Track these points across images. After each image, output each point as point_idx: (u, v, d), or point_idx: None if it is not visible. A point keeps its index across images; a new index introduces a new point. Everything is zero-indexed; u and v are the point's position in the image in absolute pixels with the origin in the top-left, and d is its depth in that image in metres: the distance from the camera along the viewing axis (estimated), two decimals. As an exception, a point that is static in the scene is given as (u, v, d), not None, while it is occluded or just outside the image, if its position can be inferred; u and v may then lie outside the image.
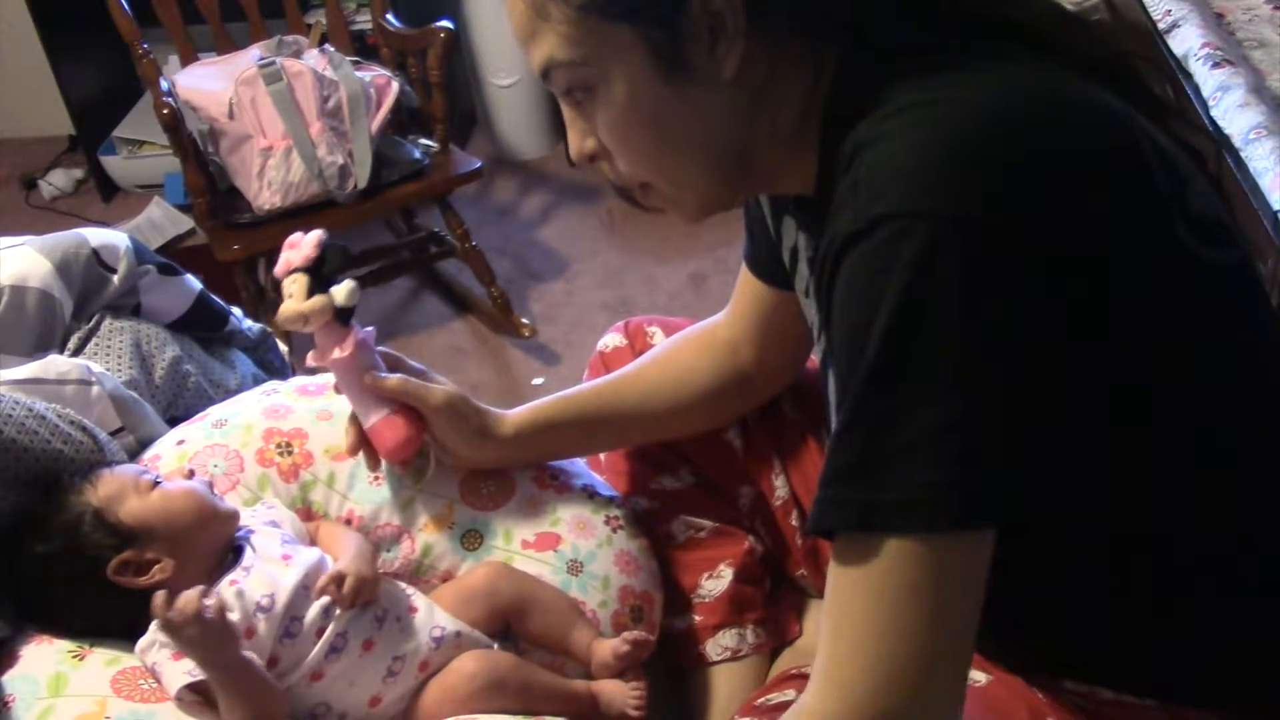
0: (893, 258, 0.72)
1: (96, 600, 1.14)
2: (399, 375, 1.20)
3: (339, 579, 1.14)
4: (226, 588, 1.13)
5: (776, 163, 0.89)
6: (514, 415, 1.26)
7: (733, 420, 1.33)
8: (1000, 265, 0.71)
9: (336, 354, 1.17)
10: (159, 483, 1.19)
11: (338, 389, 1.23)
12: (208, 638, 1.05)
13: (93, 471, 1.19)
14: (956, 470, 0.72)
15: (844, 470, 0.76)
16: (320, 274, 1.15)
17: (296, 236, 1.17)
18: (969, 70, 0.77)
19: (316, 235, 1.16)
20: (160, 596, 1.05)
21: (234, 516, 1.20)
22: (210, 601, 1.06)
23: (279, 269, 1.17)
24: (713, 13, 0.80)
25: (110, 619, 1.14)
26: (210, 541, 1.17)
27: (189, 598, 1.04)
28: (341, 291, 1.15)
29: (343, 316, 1.16)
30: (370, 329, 1.21)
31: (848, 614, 0.77)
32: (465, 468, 1.29)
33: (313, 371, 1.32)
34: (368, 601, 1.16)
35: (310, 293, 1.15)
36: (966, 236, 0.71)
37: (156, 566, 1.14)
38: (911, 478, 0.73)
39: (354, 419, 1.23)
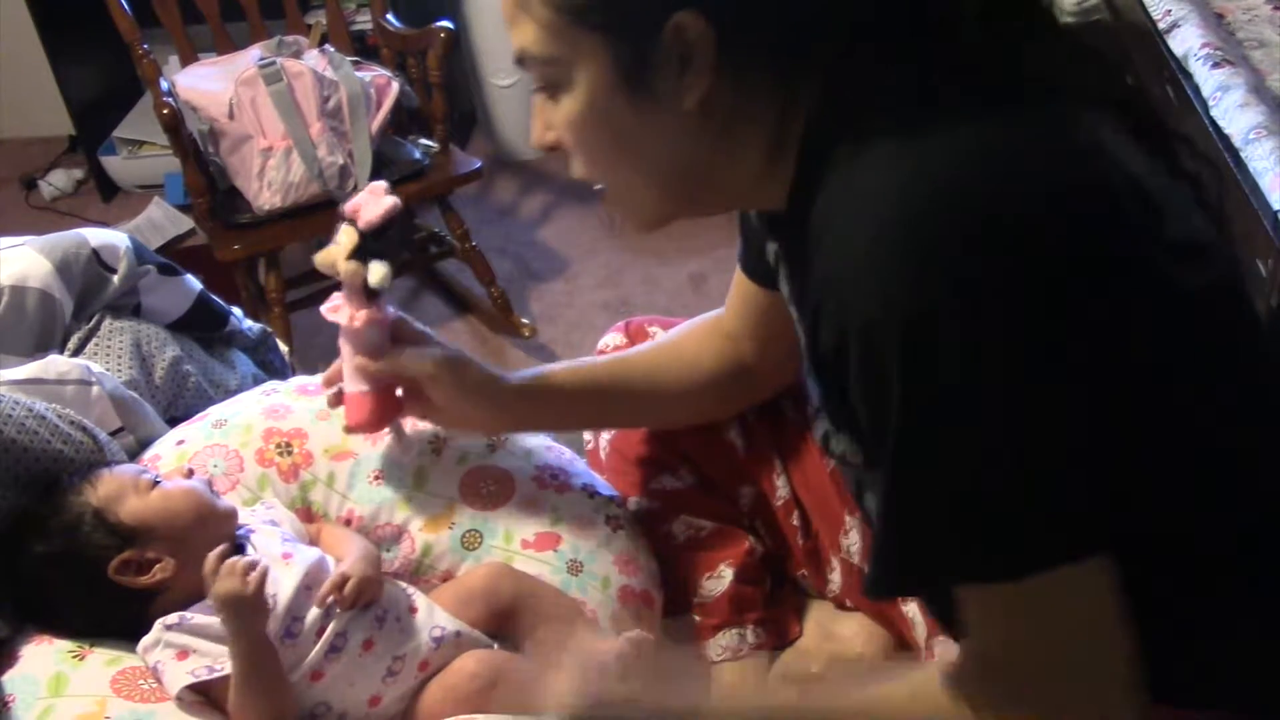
0: (881, 367, 0.74)
1: (97, 600, 1.14)
2: (386, 360, 1.18)
3: (341, 582, 1.14)
4: None
5: (742, 186, 0.90)
6: (519, 378, 1.24)
7: (737, 411, 1.32)
8: (980, 348, 0.73)
9: (343, 321, 1.16)
10: (158, 482, 1.19)
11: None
12: (252, 603, 1.07)
13: (92, 471, 1.19)
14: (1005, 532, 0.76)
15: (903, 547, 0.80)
16: (372, 240, 1.13)
17: (380, 185, 1.15)
18: (936, 124, 0.77)
19: (391, 203, 1.13)
20: (213, 557, 1.08)
21: (233, 515, 1.20)
22: (254, 572, 1.08)
23: (349, 207, 1.14)
24: (684, 43, 0.80)
25: (111, 618, 1.14)
26: (210, 540, 1.17)
27: (239, 561, 1.07)
28: (375, 273, 1.13)
29: (369, 291, 1.15)
30: (392, 312, 1.19)
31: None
32: (470, 430, 1.29)
33: (313, 370, 1.32)
34: (369, 602, 1.16)
35: (355, 252, 1.13)
36: (941, 329, 0.72)
37: (157, 565, 1.14)
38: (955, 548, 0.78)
39: (331, 380, 1.24)
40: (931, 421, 0.75)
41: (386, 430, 1.28)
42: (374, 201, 1.13)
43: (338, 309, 1.17)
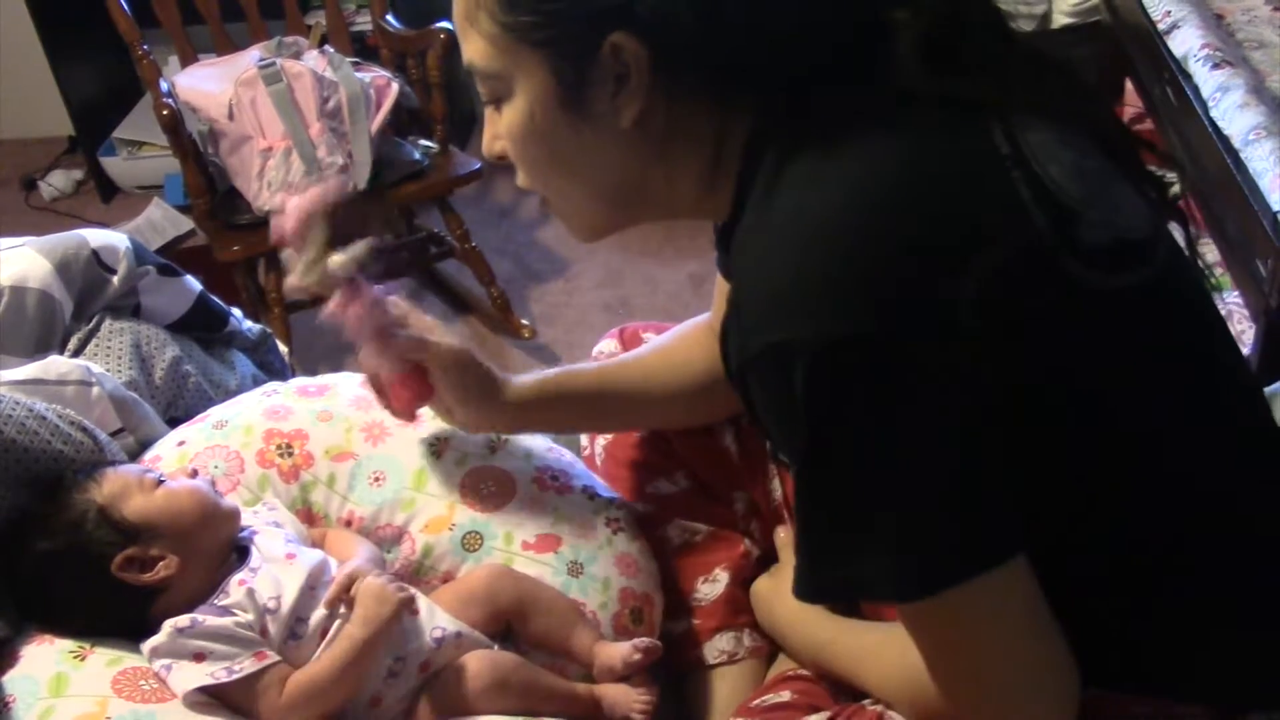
0: (786, 387, 0.76)
1: (100, 598, 1.14)
2: (407, 336, 1.20)
3: (349, 583, 1.14)
4: (236, 587, 1.13)
5: (683, 201, 0.92)
6: (520, 383, 1.26)
7: (733, 411, 1.33)
8: (887, 373, 0.75)
9: (340, 316, 1.16)
10: (162, 481, 1.19)
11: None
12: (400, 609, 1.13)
13: (96, 469, 1.19)
14: (919, 549, 0.79)
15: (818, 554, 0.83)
16: (312, 240, 1.13)
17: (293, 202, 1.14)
18: (851, 148, 0.79)
19: (301, 203, 1.12)
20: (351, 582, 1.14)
21: (236, 515, 1.20)
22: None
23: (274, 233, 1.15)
24: (621, 63, 0.83)
25: (112, 617, 1.14)
26: (214, 539, 1.17)
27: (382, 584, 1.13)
28: (336, 260, 1.13)
29: (348, 282, 1.15)
30: (381, 289, 1.19)
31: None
32: (459, 425, 1.31)
33: (313, 371, 1.32)
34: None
35: (328, 244, 1.13)
36: (848, 357, 0.74)
37: (161, 564, 1.14)
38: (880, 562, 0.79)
39: (366, 370, 1.24)
40: (838, 447, 0.77)
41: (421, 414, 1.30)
42: (290, 211, 1.13)
43: (331, 312, 1.17)
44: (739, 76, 0.84)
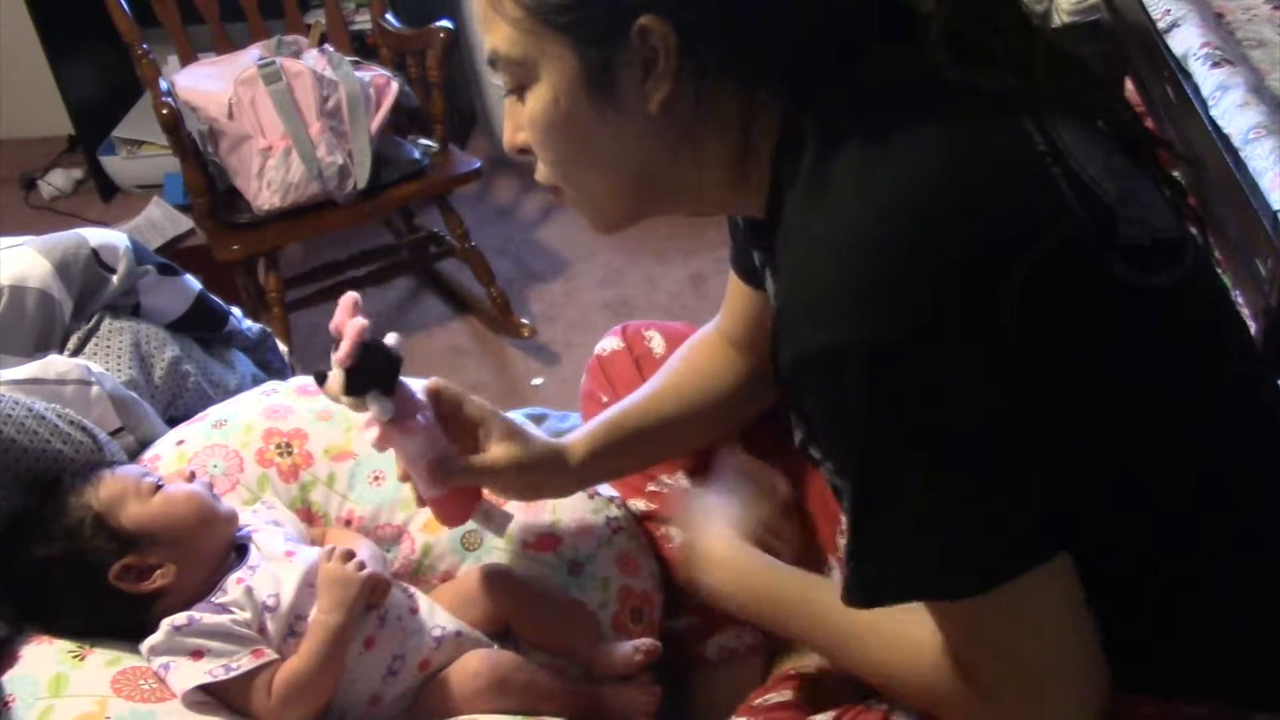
0: (838, 389, 0.76)
1: (97, 603, 1.14)
2: (463, 469, 1.12)
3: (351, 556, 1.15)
4: (234, 585, 1.13)
5: (711, 191, 0.91)
6: (574, 443, 1.21)
7: (769, 406, 1.31)
8: (938, 375, 0.75)
9: (382, 446, 1.10)
10: (160, 485, 1.19)
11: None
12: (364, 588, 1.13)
13: (93, 473, 1.19)
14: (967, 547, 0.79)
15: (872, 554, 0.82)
16: (359, 370, 1.05)
17: (348, 301, 1.07)
18: (895, 142, 0.78)
19: (359, 327, 1.05)
20: (337, 560, 1.14)
21: (233, 519, 1.20)
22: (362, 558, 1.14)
23: (335, 323, 1.07)
24: (649, 47, 0.81)
25: (111, 621, 1.14)
26: (212, 545, 1.17)
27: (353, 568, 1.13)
28: (376, 411, 1.06)
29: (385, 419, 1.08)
30: (424, 420, 1.11)
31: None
32: (542, 498, 1.28)
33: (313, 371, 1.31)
34: (378, 602, 1.16)
35: (350, 388, 1.06)
36: (899, 359, 0.74)
37: (158, 571, 1.14)
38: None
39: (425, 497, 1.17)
40: (888, 448, 0.77)
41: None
42: (347, 331, 1.05)
43: (376, 440, 1.10)
44: (768, 61, 0.83)
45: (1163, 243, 0.83)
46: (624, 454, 1.25)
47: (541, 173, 0.93)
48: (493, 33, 0.87)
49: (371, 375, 1.05)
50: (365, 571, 1.14)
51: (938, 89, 0.80)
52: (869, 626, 0.92)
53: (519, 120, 0.90)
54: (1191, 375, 0.85)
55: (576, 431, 1.24)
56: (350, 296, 1.07)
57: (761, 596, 1.05)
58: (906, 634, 0.89)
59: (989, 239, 0.76)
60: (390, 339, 1.09)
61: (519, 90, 0.88)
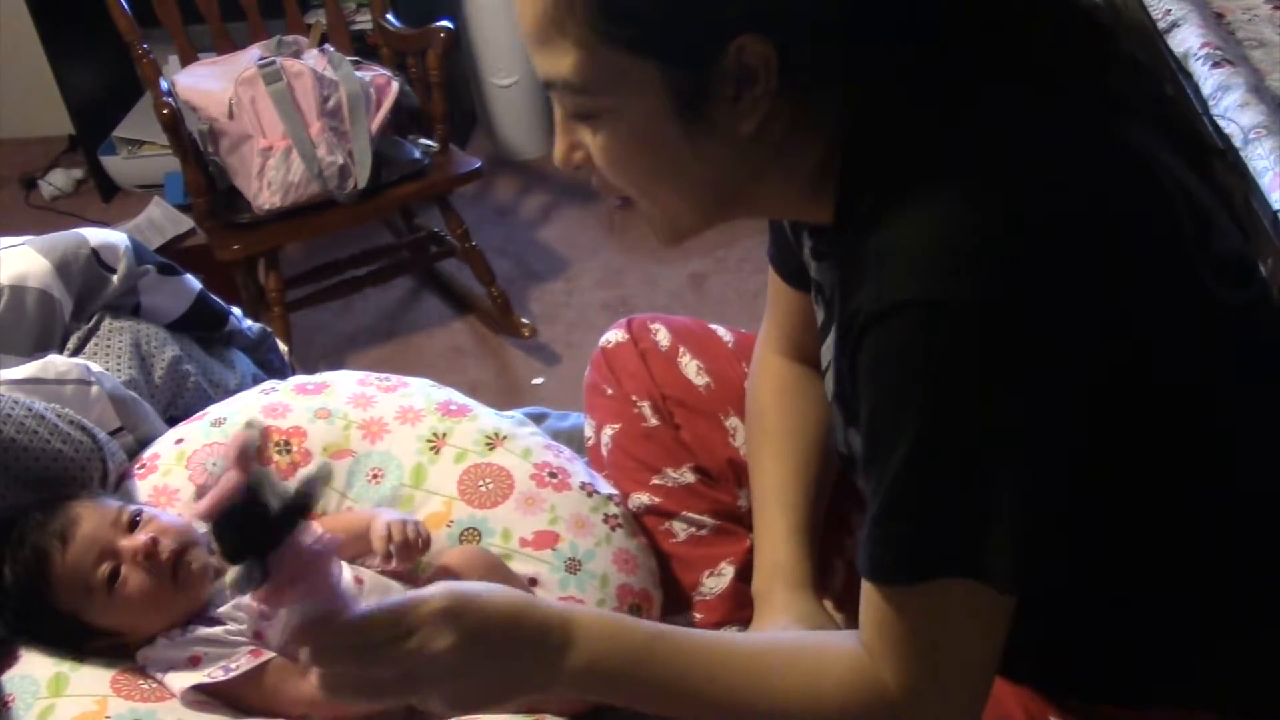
0: (916, 347, 0.74)
1: (77, 640, 1.14)
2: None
3: (403, 525, 1.16)
4: (228, 599, 1.14)
5: (785, 202, 0.88)
6: (794, 569, 1.17)
7: None
8: (1024, 348, 0.73)
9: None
10: (138, 519, 1.16)
11: None
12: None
13: (60, 524, 1.14)
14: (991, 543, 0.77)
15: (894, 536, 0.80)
16: (230, 528, 0.81)
17: (239, 444, 0.90)
18: (994, 131, 0.77)
19: (225, 480, 0.84)
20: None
21: (207, 579, 1.16)
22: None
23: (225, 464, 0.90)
24: (747, 67, 0.77)
25: (100, 652, 1.15)
26: (186, 611, 1.15)
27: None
28: (229, 577, 0.89)
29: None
30: (341, 576, 0.85)
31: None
32: None
33: (313, 370, 1.31)
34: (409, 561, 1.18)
35: (219, 547, 0.83)
36: (987, 324, 0.72)
37: (130, 639, 1.15)
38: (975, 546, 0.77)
39: None
40: (951, 412, 0.75)
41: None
42: (220, 483, 0.84)
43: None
44: (856, 68, 0.79)
45: (1244, 256, 0.83)
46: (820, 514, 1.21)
47: (606, 186, 0.87)
48: (554, 58, 0.79)
49: (244, 539, 0.81)
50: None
51: (1023, 98, 0.79)
52: (791, 654, 0.90)
53: (575, 138, 0.84)
54: (1264, 393, 0.84)
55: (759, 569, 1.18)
56: (242, 438, 0.91)
57: (641, 656, 0.89)
58: (835, 652, 0.87)
59: (1091, 222, 0.75)
60: (304, 472, 0.93)
61: (586, 118, 0.82)
